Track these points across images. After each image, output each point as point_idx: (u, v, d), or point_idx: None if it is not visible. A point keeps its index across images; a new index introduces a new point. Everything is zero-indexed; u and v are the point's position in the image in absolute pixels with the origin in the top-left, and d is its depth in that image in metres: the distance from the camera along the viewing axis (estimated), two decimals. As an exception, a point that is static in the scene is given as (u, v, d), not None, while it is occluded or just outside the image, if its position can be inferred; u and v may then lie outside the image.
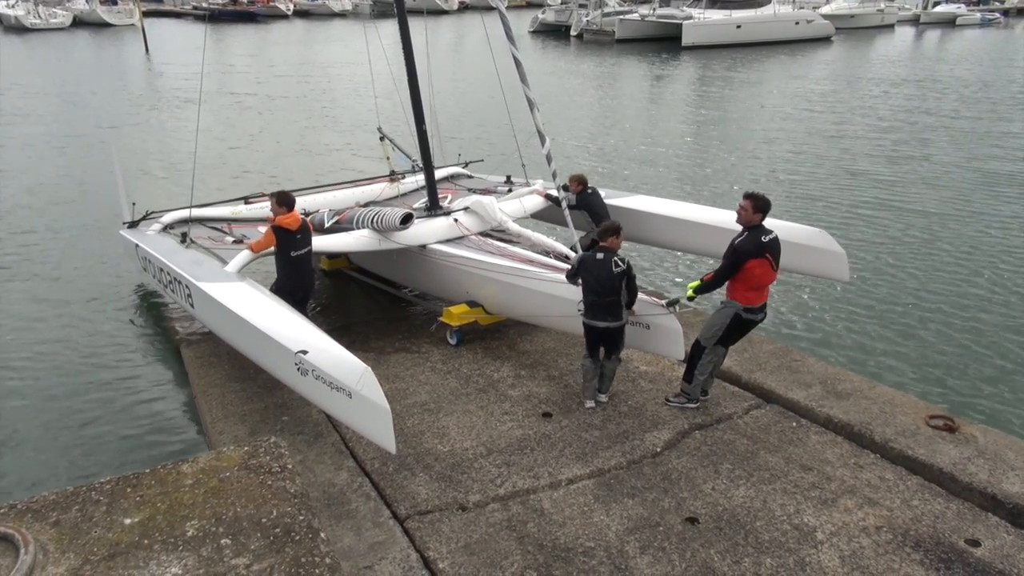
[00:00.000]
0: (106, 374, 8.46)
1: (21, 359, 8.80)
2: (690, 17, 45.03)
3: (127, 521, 3.76)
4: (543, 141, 8.17)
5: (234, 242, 8.48)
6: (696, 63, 37.86)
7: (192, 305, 7.58)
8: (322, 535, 3.72)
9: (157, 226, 9.22)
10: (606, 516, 5.34)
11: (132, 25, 53.42)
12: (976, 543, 5.05)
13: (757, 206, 6.11)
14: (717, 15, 45.98)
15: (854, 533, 5.15)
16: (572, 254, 7.94)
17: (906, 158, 18.20)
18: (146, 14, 50.86)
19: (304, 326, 6.15)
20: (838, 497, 5.52)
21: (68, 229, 13.04)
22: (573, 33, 51.07)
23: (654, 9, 49.95)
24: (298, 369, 5.75)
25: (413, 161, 10.70)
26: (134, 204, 9.59)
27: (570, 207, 8.75)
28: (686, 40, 43.10)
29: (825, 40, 48.10)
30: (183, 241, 8.45)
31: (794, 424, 6.44)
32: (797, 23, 47.64)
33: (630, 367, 7.40)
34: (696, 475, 5.79)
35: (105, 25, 56.87)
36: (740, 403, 6.78)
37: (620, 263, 6.40)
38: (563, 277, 7.17)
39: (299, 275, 7.43)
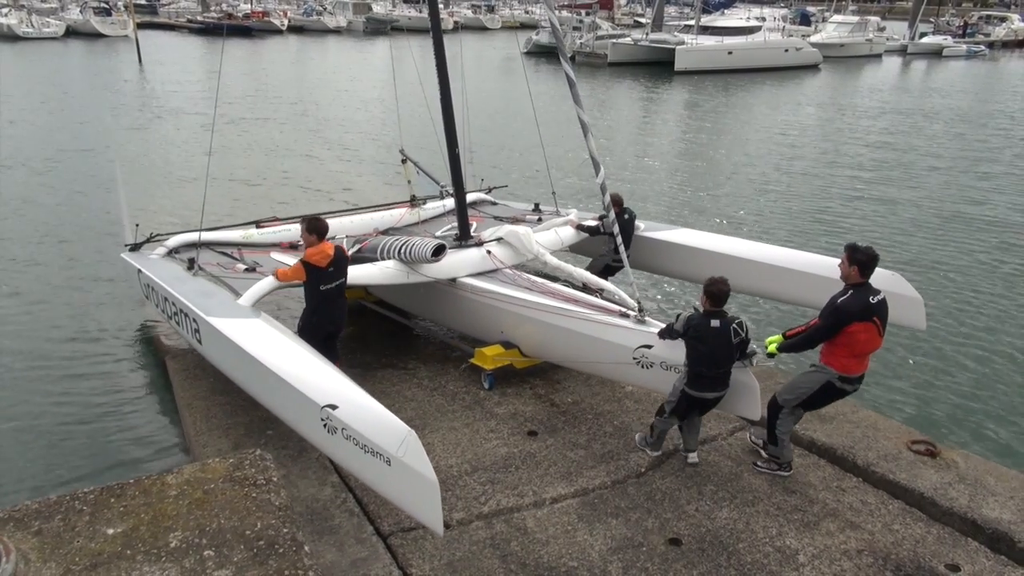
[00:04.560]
0: (90, 385, 8.40)
1: (3, 368, 8.74)
2: (683, 42, 45.55)
3: (110, 531, 3.75)
4: (597, 169, 7.31)
5: (246, 270, 7.83)
6: (689, 88, 38.26)
7: (200, 341, 6.88)
8: (306, 548, 3.72)
9: (161, 250, 8.59)
10: (589, 536, 5.35)
11: (126, 36, 53.34)
12: (956, 568, 5.09)
13: (853, 259, 5.44)
14: (709, 41, 46.55)
15: (835, 556, 5.18)
16: (617, 291, 7.45)
17: (889, 195, 18.43)
18: (140, 25, 50.83)
19: (333, 375, 5.51)
20: (820, 520, 5.56)
21: (56, 242, 12.89)
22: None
23: (647, 34, 50.50)
24: (325, 426, 5.11)
25: (442, 186, 10.13)
26: (137, 225, 9.05)
27: (604, 232, 8.31)
28: (679, 65, 43.56)
29: (813, 68, 48.78)
30: (190, 267, 7.81)
31: (777, 447, 6.48)
32: (787, 50, 48.33)
33: (616, 387, 7.43)
34: (680, 496, 5.82)
35: (98, 36, 56.77)
36: (724, 425, 6.81)
37: (739, 331, 5.61)
38: (614, 319, 6.61)
39: (329, 310, 6.77)
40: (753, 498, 5.80)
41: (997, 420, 8.13)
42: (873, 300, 5.41)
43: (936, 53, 61.24)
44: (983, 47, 65.22)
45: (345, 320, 7.04)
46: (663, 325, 6.20)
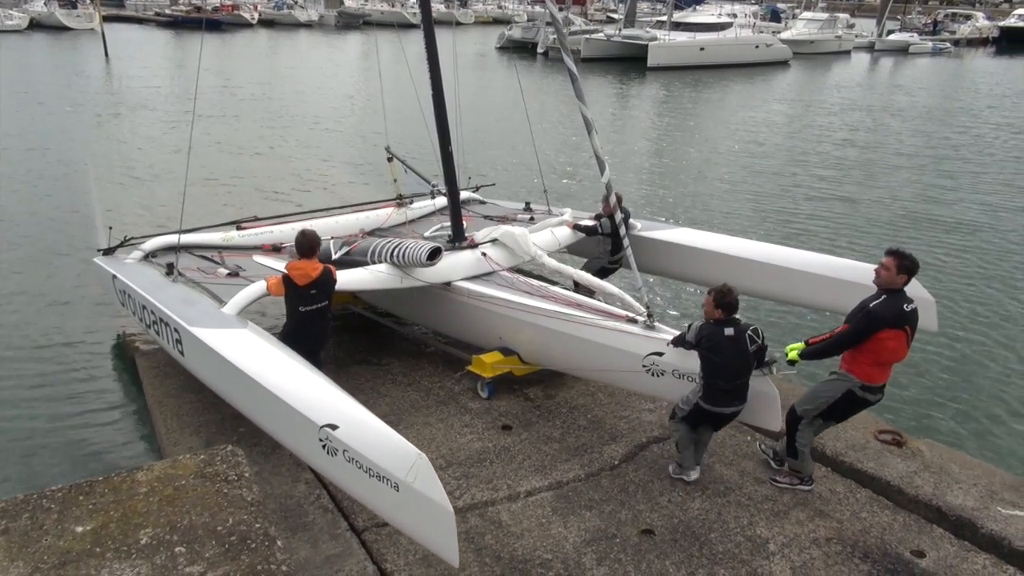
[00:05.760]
0: (58, 383, 8.27)
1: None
2: (655, 38, 45.78)
3: (79, 529, 3.70)
4: (602, 169, 7.04)
5: (228, 275, 7.43)
6: (660, 84, 38.47)
7: (182, 353, 6.48)
8: (279, 543, 3.70)
9: (137, 254, 8.22)
10: (564, 528, 5.38)
11: (91, 29, 52.33)
12: (921, 554, 5.21)
13: (903, 266, 5.14)
14: (681, 37, 46.86)
15: (805, 544, 5.27)
16: (623, 295, 7.13)
17: (852, 192, 18.68)
18: (106, 19, 49.93)
19: (331, 391, 5.15)
20: (790, 509, 5.65)
21: (22, 245, 12.55)
22: (539, 50, 51.55)
23: (619, 29, 50.64)
24: (324, 447, 4.78)
25: (433, 186, 9.82)
26: (110, 228, 8.63)
27: (603, 233, 8.18)
28: (651, 61, 43.76)
29: (783, 64, 49.30)
30: (169, 273, 7.42)
31: (748, 438, 6.57)
32: (757, 47, 48.78)
33: (589, 381, 7.45)
34: (653, 488, 5.87)
35: (63, 28, 55.69)
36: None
37: (756, 337, 5.40)
38: (622, 325, 6.29)
39: (307, 332, 6.38)
40: (724, 489, 5.87)
41: (960, 409, 8.30)
42: (907, 308, 5.19)
43: (903, 50, 62.11)
44: (948, 44, 66.28)
45: (326, 341, 6.72)
46: (674, 331, 5.98)
